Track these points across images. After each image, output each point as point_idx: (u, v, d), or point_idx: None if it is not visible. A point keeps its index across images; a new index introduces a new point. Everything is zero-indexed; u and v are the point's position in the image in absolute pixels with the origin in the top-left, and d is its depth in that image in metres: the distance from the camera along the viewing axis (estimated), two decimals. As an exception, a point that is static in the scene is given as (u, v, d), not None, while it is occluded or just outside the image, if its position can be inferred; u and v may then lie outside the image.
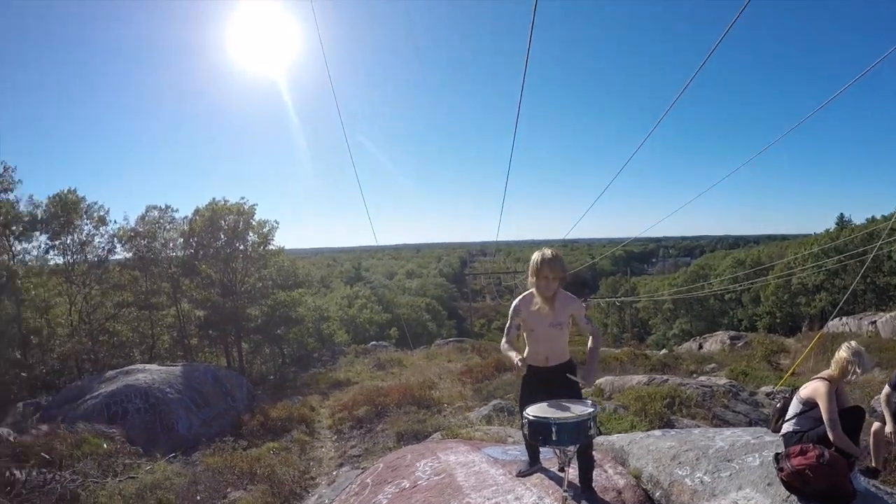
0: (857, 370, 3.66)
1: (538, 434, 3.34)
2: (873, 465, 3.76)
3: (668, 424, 7.97)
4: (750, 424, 8.31)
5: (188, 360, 19.73)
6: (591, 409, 3.37)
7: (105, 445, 8.45)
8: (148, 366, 14.04)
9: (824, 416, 3.55)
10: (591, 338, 4.00)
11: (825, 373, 3.81)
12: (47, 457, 7.32)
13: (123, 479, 7.46)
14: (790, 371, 11.25)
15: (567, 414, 3.33)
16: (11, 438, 7.84)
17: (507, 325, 4.00)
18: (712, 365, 16.05)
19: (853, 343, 3.79)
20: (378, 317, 43.10)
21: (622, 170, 9.72)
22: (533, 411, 3.42)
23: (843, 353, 3.73)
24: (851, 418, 3.61)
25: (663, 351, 23.89)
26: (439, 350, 26.32)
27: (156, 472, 7.84)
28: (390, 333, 38.07)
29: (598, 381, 11.59)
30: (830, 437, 3.47)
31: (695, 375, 13.08)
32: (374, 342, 32.12)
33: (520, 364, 3.71)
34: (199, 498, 7.27)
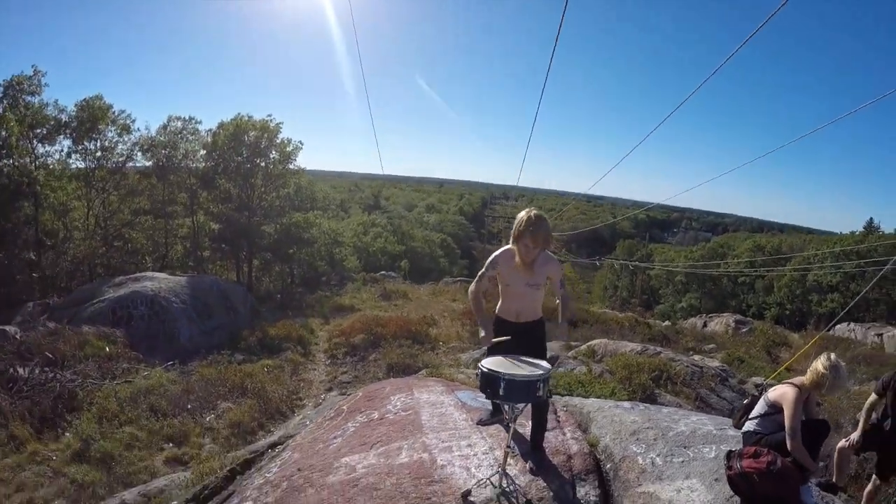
0: (831, 384, 3.54)
1: (487, 386, 3.35)
2: (834, 480, 3.70)
3: (650, 398, 7.95)
4: (732, 413, 8.30)
5: (199, 272, 20.29)
6: (542, 372, 3.33)
7: (107, 348, 8.82)
8: (157, 274, 14.43)
9: (786, 423, 3.46)
10: (559, 299, 3.85)
11: (797, 379, 3.70)
12: (51, 356, 7.65)
13: (121, 382, 7.82)
14: (783, 366, 11.16)
15: (519, 371, 3.31)
16: (18, 336, 8.16)
17: (481, 272, 3.92)
18: (712, 346, 15.98)
19: (832, 356, 3.65)
20: (391, 247, 43.18)
21: (653, 132, 9.33)
22: (488, 363, 3.41)
23: (820, 363, 3.59)
24: (815, 431, 3.52)
25: (666, 323, 23.88)
26: (446, 288, 26.60)
27: (152, 378, 8.21)
28: (401, 266, 38.41)
29: (592, 342, 11.60)
30: (788, 445, 3.39)
31: (691, 353, 13.04)
32: (383, 272, 32.48)
33: (483, 339, 3.80)
34: (189, 406, 7.65)
